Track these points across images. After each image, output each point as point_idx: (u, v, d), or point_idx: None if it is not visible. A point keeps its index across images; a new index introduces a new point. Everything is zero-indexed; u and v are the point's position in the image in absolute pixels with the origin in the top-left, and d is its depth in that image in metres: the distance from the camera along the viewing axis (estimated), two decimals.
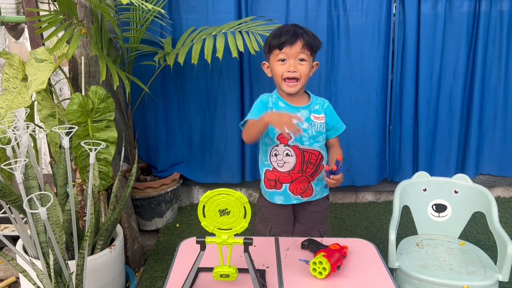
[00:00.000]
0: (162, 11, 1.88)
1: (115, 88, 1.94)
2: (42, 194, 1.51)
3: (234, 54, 2.09)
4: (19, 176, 1.37)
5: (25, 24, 2.56)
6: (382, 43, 2.53)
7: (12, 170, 1.33)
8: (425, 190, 1.94)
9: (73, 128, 1.56)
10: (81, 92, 2.04)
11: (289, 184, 1.64)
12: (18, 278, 2.26)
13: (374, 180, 2.73)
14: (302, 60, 1.53)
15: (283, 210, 1.70)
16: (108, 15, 2.03)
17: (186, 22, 2.53)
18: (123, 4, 2.20)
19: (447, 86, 2.60)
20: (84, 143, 1.61)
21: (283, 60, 1.53)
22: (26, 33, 2.56)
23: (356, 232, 2.45)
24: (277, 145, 1.61)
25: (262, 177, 1.70)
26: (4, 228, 2.25)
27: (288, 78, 1.53)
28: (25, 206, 1.24)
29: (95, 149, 1.48)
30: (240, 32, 2.20)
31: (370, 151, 2.68)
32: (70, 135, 1.50)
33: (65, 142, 1.47)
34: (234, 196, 1.28)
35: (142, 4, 1.77)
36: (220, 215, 1.31)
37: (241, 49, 2.10)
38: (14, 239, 2.45)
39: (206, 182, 2.76)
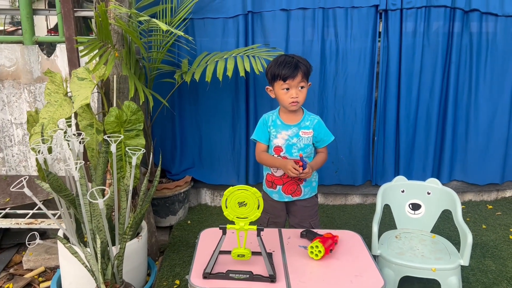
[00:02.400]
0: (183, 34, 2.24)
1: (140, 103, 2.29)
2: (97, 188, 1.86)
3: (242, 73, 2.47)
4: (76, 175, 1.73)
5: (57, 43, 2.92)
6: (367, 65, 2.93)
7: (70, 171, 1.68)
8: (403, 191, 2.32)
9: (118, 136, 1.91)
10: (112, 106, 2.40)
11: (281, 186, 2.06)
12: (46, 268, 2.58)
13: (359, 181, 3.11)
14: (302, 87, 1.93)
15: (278, 204, 2.11)
16: (137, 40, 2.39)
17: (200, 44, 2.91)
18: (148, 29, 2.58)
19: (424, 103, 3.00)
20: (123, 149, 1.96)
21: (287, 89, 1.93)
22: (57, 50, 2.91)
23: (345, 229, 2.81)
24: (272, 155, 2.03)
25: (264, 178, 2.14)
26: (41, 222, 2.58)
27: (292, 102, 1.93)
28: (89, 197, 1.59)
29: (137, 153, 1.84)
30: (247, 56, 2.58)
31: (355, 157, 3.07)
32: (117, 142, 1.85)
33: (113, 148, 1.82)
34: (251, 191, 1.63)
35: (170, 29, 2.14)
36: (239, 206, 1.66)
37: (248, 69, 2.48)
38: (44, 233, 2.79)
39: (214, 184, 3.12)
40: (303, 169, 1.88)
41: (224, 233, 1.62)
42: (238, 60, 2.53)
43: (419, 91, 2.98)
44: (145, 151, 1.90)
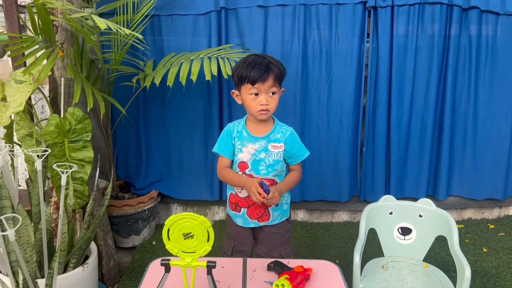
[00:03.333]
0: (140, 36, 1.95)
1: (88, 110, 1.99)
2: (14, 215, 1.55)
3: (208, 77, 2.17)
4: None
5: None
6: (355, 68, 2.63)
7: None
8: (391, 213, 2.01)
9: (47, 150, 1.61)
10: (60, 113, 2.10)
11: (246, 209, 1.74)
12: None
13: (345, 196, 2.81)
14: (273, 93, 1.62)
15: (243, 230, 1.80)
16: (89, 38, 2.10)
17: (168, 44, 2.61)
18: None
19: (418, 110, 2.70)
20: (57, 165, 1.66)
21: (256, 94, 1.62)
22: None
23: (329, 252, 2.51)
24: (237, 172, 1.72)
25: (227, 198, 1.82)
26: None
27: (262, 110, 1.63)
28: None
29: (67, 172, 1.53)
30: (216, 57, 2.28)
31: (341, 170, 2.76)
32: (43, 157, 1.55)
33: (38, 165, 1.52)
34: (198, 220, 1.32)
35: (120, 29, 1.84)
36: (184, 239, 1.36)
37: (215, 72, 2.18)
38: None
39: (185, 199, 2.81)
40: (266, 194, 1.57)
41: (167, 270, 1.32)
42: (205, 62, 2.22)
43: (412, 97, 2.68)
44: (76, 168, 1.61)
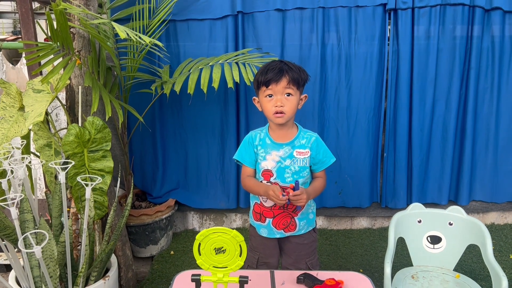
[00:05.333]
0: (159, 43, 1.90)
1: (106, 119, 1.94)
2: (38, 231, 1.50)
3: (230, 84, 2.12)
4: (14, 212, 1.37)
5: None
6: (375, 72, 2.57)
7: (7, 206, 1.32)
8: (419, 221, 1.95)
9: (69, 162, 1.56)
10: (77, 122, 2.05)
11: (272, 219, 1.70)
12: None
13: (365, 203, 2.75)
14: (288, 94, 1.57)
15: (268, 242, 1.75)
16: (105, 45, 2.05)
17: (184, 50, 2.56)
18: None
19: (440, 114, 2.63)
20: (80, 177, 1.60)
21: (270, 96, 1.58)
22: (23, 58, 2.57)
23: (351, 261, 2.45)
24: (261, 181, 1.68)
25: (251, 208, 1.78)
26: None
27: (276, 112, 1.58)
28: (20, 245, 1.23)
29: (91, 184, 1.48)
30: (236, 63, 2.23)
31: (362, 176, 2.70)
32: (66, 170, 1.50)
33: (61, 177, 1.47)
34: (230, 234, 1.27)
35: (139, 37, 1.79)
36: (216, 253, 1.31)
37: (237, 79, 2.13)
38: (7, 267, 2.43)
39: (201, 208, 2.76)
40: (293, 191, 1.52)
41: (198, 286, 1.27)
42: (225, 68, 2.17)
43: (434, 101, 2.62)
44: (100, 180, 1.56)
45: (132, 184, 2.15)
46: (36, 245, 1.51)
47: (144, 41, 1.76)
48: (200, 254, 1.27)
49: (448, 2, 2.48)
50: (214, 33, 2.54)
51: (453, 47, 2.55)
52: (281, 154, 1.65)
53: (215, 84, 2.09)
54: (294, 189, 1.53)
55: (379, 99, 2.61)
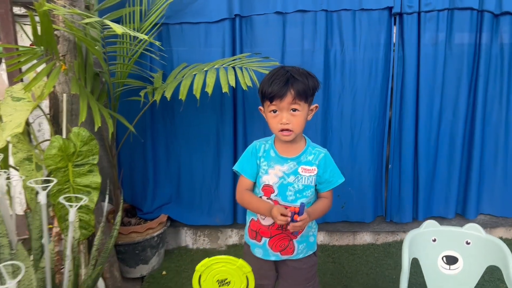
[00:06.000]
0: (156, 42, 1.74)
1: (95, 130, 1.77)
2: (14, 263, 1.32)
3: (225, 89, 1.96)
4: None
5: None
6: (380, 79, 2.44)
7: None
8: (434, 240, 1.81)
9: (51, 181, 1.38)
10: (62, 133, 1.88)
11: (268, 238, 1.54)
12: None
13: (369, 217, 2.60)
14: (295, 110, 1.42)
15: (263, 263, 1.59)
16: (93, 48, 1.89)
17: (178, 55, 2.41)
18: (110, 36, 2.07)
19: (447, 123, 2.51)
20: (64, 197, 1.43)
21: (275, 112, 1.44)
22: (3, 64, 2.39)
23: (357, 280, 2.29)
24: (260, 197, 1.53)
25: (247, 225, 1.63)
26: None
27: (282, 130, 1.44)
28: None
29: (75, 206, 1.31)
30: (233, 68, 2.07)
31: (366, 188, 2.56)
32: (47, 189, 1.32)
33: (42, 198, 1.29)
34: (236, 264, 1.13)
35: (135, 34, 1.62)
36: (219, 286, 1.15)
37: (233, 84, 1.97)
38: None
39: (195, 224, 2.58)
40: (298, 215, 1.36)
41: None
42: (220, 72, 2.01)
43: (441, 110, 2.49)
44: (86, 200, 1.38)
45: (121, 199, 1.97)
46: (13, 274, 1.33)
47: (141, 37, 1.59)
48: (200, 287, 1.12)
49: (456, 6, 2.36)
50: (210, 37, 2.38)
51: (461, 53, 2.43)
52: (285, 169, 1.50)
53: (209, 89, 1.93)
54: (298, 212, 1.36)
55: (384, 107, 2.48)
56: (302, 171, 1.50)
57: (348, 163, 2.49)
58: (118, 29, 1.45)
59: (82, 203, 1.32)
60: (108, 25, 1.58)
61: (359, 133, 2.48)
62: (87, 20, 1.55)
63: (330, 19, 2.37)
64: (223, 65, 2.12)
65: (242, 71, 2.05)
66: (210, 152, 2.50)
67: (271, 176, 1.51)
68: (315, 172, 1.51)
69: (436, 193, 2.59)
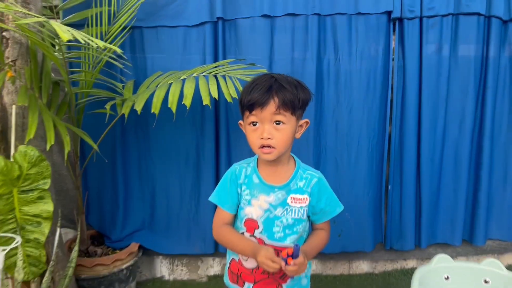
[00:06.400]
0: (118, 50, 1.47)
1: (47, 148, 1.49)
2: None
3: (205, 101, 1.69)
4: None
5: None
6: (378, 91, 2.20)
7: None
8: (447, 278, 1.55)
9: None
10: (10, 151, 1.59)
11: (252, 284, 1.28)
12: None
13: (369, 245, 2.33)
14: (278, 123, 1.17)
15: None
16: (50, 53, 1.62)
17: (152, 62, 2.14)
18: (73, 41, 1.80)
19: (452, 140, 2.27)
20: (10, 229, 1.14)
21: (254, 124, 1.19)
22: None
23: None
24: (242, 233, 1.27)
25: (227, 265, 1.35)
26: None
27: (263, 146, 1.18)
28: None
29: (3, 249, 1.02)
30: (215, 76, 1.81)
31: (364, 213, 2.29)
32: None
33: None
34: None
35: (91, 40, 1.35)
36: None
37: (215, 95, 1.70)
38: None
39: (172, 254, 2.29)
40: (293, 258, 1.10)
41: None
42: (200, 81, 1.75)
43: (446, 125, 2.25)
44: (19, 241, 1.10)
45: (82, 225, 1.69)
46: None
47: (96, 45, 1.32)
48: None
49: (461, 11, 2.14)
50: (189, 43, 2.13)
51: (467, 63, 2.20)
52: (271, 199, 1.24)
53: (187, 101, 1.66)
54: (293, 255, 1.09)
55: (383, 122, 2.23)
56: (292, 202, 1.25)
57: (344, 185, 2.23)
58: (63, 34, 1.19)
59: (12, 246, 1.04)
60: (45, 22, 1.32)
61: (356, 152, 2.22)
62: (29, 20, 1.28)
63: (323, 24, 2.13)
64: (203, 73, 1.85)
65: (225, 80, 1.79)
66: (188, 172, 2.22)
67: (254, 208, 1.25)
68: (307, 202, 1.25)
69: (441, 217, 2.34)
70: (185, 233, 2.26)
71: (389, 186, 2.29)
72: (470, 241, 2.40)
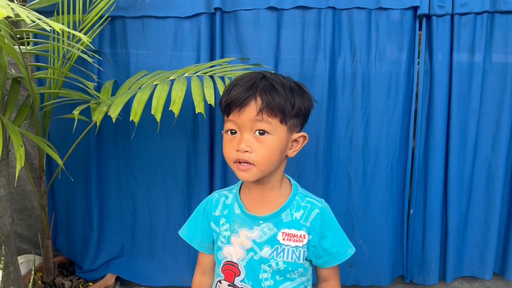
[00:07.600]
0: (84, 37, 1.14)
1: None
2: None
3: (199, 108, 1.38)
4: None
5: None
6: (401, 99, 1.89)
7: None
8: None
9: None
10: None
11: None
12: None
13: (386, 279, 2.00)
14: (262, 132, 0.87)
15: None
16: (6, 46, 1.29)
17: (136, 59, 1.83)
18: (39, 29, 1.47)
19: (484, 158, 1.96)
20: None
21: (232, 132, 0.91)
22: None
23: None
24: (219, 281, 0.99)
25: None
26: None
27: (239, 161, 0.90)
28: None
29: None
30: (211, 77, 1.49)
31: (382, 241, 1.97)
32: None
33: None
34: None
35: (43, 22, 1.02)
36: None
37: (210, 101, 1.38)
38: None
39: (156, 286, 1.94)
40: None
41: None
42: (193, 83, 1.43)
43: (477, 140, 1.94)
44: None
45: (51, 253, 1.36)
46: None
47: (50, 27, 0.99)
48: None
49: (498, 9, 1.84)
50: (181, 37, 1.81)
51: (504, 68, 1.89)
52: (254, 236, 0.95)
53: (175, 108, 1.34)
54: None
55: (406, 135, 1.92)
56: (283, 239, 0.94)
57: (358, 207, 1.91)
58: (2, 10, 0.85)
59: None
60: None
61: (373, 168, 1.90)
62: None
63: (339, 19, 1.82)
64: (197, 73, 1.53)
65: (224, 82, 1.47)
66: (177, 189, 1.89)
67: (234, 248, 0.96)
68: (306, 240, 0.94)
69: (469, 247, 2.02)
70: (172, 260, 1.92)
71: (411, 210, 1.98)
72: (502, 274, 2.08)
